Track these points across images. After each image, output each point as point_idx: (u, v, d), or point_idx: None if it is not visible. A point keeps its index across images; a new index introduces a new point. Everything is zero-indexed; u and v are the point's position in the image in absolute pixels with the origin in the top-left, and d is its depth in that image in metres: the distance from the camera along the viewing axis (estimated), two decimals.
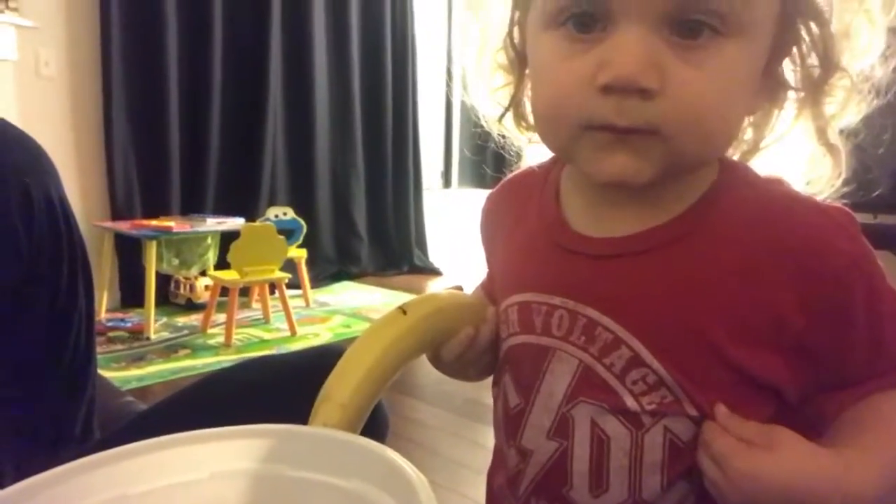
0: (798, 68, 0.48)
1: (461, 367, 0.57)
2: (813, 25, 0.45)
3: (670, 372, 0.46)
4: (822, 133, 0.48)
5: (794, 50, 0.47)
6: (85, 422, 0.77)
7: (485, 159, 4.97)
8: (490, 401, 0.60)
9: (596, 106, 0.42)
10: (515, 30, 0.52)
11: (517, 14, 0.51)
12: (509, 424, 0.55)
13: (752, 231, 0.46)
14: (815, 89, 0.47)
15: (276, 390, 0.72)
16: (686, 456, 0.47)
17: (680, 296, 0.46)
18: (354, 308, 3.40)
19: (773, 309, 0.45)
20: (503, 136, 0.57)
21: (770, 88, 0.48)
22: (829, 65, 0.46)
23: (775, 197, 0.47)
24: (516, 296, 0.53)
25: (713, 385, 0.46)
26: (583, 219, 0.51)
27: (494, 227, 0.61)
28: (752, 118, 0.50)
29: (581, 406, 0.49)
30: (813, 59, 0.47)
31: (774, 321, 0.45)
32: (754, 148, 0.51)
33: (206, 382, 0.83)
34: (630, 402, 0.47)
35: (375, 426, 0.82)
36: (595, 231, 0.50)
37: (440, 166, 5.31)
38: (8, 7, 2.73)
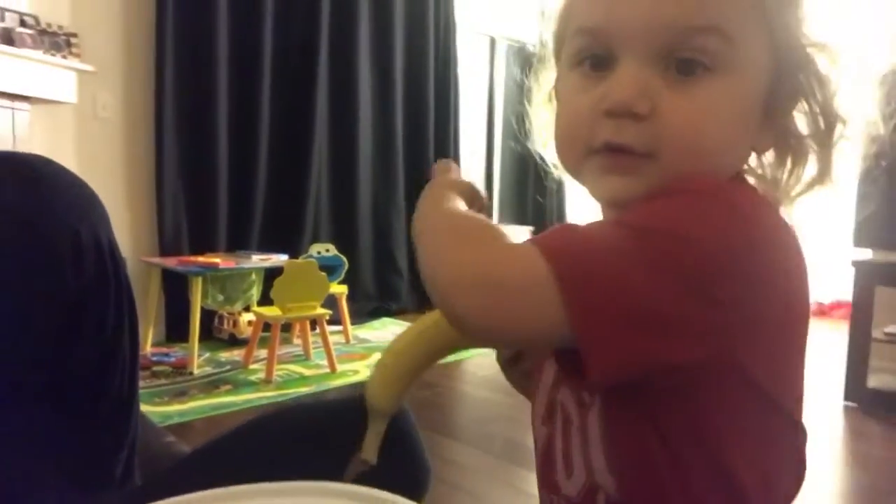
0: (809, 118, 0.52)
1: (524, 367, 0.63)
2: (811, 77, 0.50)
3: None
4: (822, 175, 0.52)
5: (804, 101, 0.51)
6: (126, 465, 0.77)
7: (526, 196, 5.01)
8: (530, 443, 0.61)
9: (599, 128, 0.49)
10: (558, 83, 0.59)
11: (558, 69, 0.59)
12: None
13: None
14: (821, 139, 0.51)
15: (316, 437, 0.71)
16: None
17: None
18: None
19: None
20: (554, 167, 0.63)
21: (777, 134, 0.52)
22: (831, 115, 0.50)
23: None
24: None
25: None
26: None
27: None
28: (767, 162, 0.54)
29: (562, 390, 0.54)
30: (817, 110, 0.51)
31: None
32: (784, 194, 0.54)
33: (245, 429, 0.82)
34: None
35: (418, 474, 0.80)
36: None
37: None
38: (70, 53, 2.87)
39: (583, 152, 0.51)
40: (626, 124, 0.48)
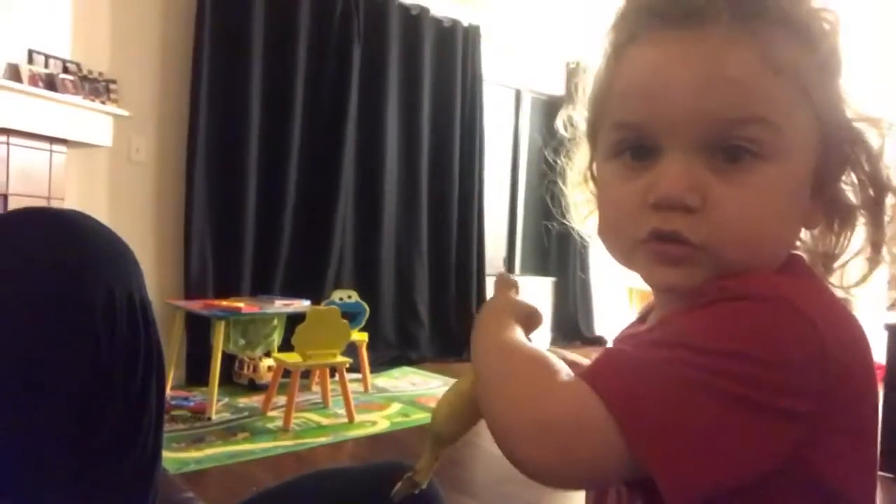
0: (857, 188, 0.51)
1: None
2: (858, 149, 0.49)
3: None
4: (875, 247, 0.50)
5: (851, 170, 0.51)
6: None
7: (549, 247, 5.01)
8: None
9: (646, 220, 0.48)
10: (594, 165, 0.60)
11: (592, 153, 0.59)
12: None
13: None
14: (871, 209, 0.50)
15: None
16: None
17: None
18: (413, 395, 3.35)
19: None
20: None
21: (826, 205, 0.51)
22: (879, 185, 0.50)
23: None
24: None
25: None
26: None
27: None
28: (815, 232, 0.53)
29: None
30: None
31: None
32: (829, 264, 0.53)
33: (265, 499, 0.81)
34: None
35: None
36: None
37: (503, 252, 5.32)
38: (109, 98, 2.95)
39: (630, 244, 0.50)
40: (675, 215, 0.47)
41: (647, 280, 0.51)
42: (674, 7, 0.47)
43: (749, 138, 0.45)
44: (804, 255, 0.53)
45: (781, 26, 0.46)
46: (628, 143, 0.50)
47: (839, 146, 0.49)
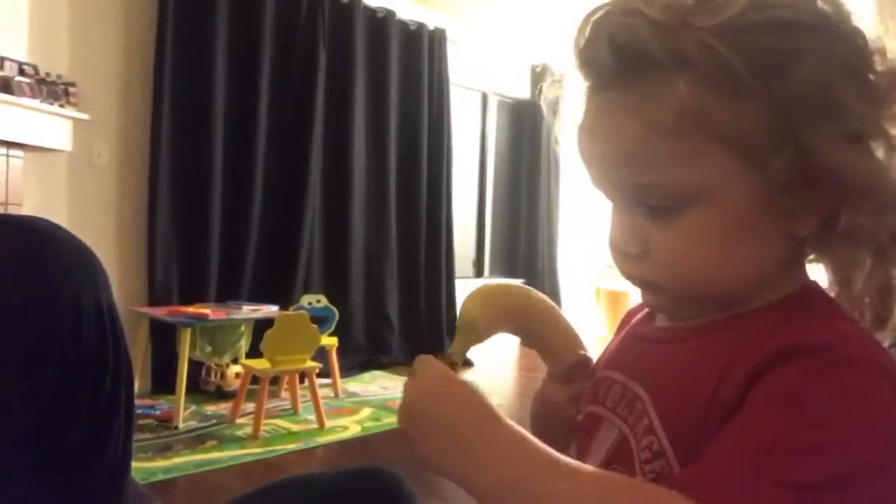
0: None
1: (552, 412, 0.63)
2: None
3: (670, 441, 0.48)
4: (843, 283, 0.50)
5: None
6: None
7: (517, 248, 5.04)
8: None
9: (618, 262, 0.53)
10: None
11: None
12: None
13: (760, 343, 0.45)
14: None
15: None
16: None
17: (685, 376, 0.50)
18: (384, 399, 3.34)
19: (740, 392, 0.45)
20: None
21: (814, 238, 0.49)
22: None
23: (804, 327, 0.46)
24: (601, 371, 0.60)
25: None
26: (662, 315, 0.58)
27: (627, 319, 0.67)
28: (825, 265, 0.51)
29: (614, 472, 0.51)
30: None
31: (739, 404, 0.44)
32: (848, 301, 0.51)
33: (259, 494, 0.80)
34: (637, 470, 0.50)
35: None
36: (668, 323, 0.56)
37: (472, 254, 5.34)
38: (68, 102, 2.88)
39: (620, 273, 0.54)
40: (626, 260, 0.51)
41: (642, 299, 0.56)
42: (588, 72, 0.49)
43: (655, 196, 0.48)
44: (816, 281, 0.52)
45: (672, 73, 0.44)
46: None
47: (792, 185, 0.45)
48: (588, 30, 0.48)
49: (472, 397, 0.46)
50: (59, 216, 2.92)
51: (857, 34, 0.45)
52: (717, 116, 0.44)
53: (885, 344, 0.48)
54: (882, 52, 0.46)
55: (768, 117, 0.44)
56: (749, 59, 0.43)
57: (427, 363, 0.50)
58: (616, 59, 0.46)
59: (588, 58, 0.48)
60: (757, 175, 0.45)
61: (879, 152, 0.46)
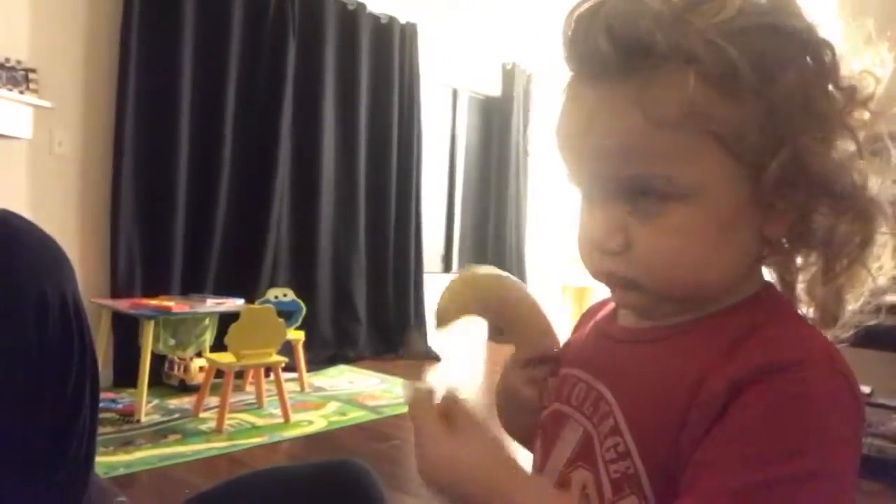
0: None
1: (518, 405, 0.63)
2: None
3: (637, 443, 0.49)
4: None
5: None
6: None
7: (486, 244, 5.06)
8: None
9: (595, 257, 0.51)
10: None
11: None
12: None
13: (734, 350, 0.47)
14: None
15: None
16: None
17: (657, 378, 0.50)
18: (350, 394, 3.33)
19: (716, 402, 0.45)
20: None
21: (795, 241, 0.51)
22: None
23: (774, 335, 0.48)
24: (565, 369, 0.60)
25: (666, 462, 0.47)
26: (630, 314, 0.57)
27: (589, 316, 0.66)
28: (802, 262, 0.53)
29: (578, 471, 0.53)
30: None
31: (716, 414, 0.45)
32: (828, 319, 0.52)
33: (208, 497, 0.80)
34: (601, 469, 0.51)
35: None
36: (635, 323, 0.55)
37: (441, 250, 5.35)
38: (28, 88, 2.81)
39: (592, 271, 0.53)
40: (606, 257, 0.50)
41: (613, 300, 0.56)
42: (581, 63, 0.48)
43: (649, 187, 0.47)
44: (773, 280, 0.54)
45: (677, 67, 0.45)
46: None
47: (779, 188, 0.47)
48: (579, 21, 0.48)
49: (497, 455, 0.49)
50: (19, 206, 2.84)
51: (827, 45, 0.47)
52: (717, 114, 0.45)
53: (842, 338, 0.51)
54: (846, 67, 0.48)
55: (761, 118, 0.45)
56: (748, 59, 0.44)
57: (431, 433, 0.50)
58: (615, 50, 0.45)
59: (583, 48, 0.47)
60: (747, 175, 0.47)
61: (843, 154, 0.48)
